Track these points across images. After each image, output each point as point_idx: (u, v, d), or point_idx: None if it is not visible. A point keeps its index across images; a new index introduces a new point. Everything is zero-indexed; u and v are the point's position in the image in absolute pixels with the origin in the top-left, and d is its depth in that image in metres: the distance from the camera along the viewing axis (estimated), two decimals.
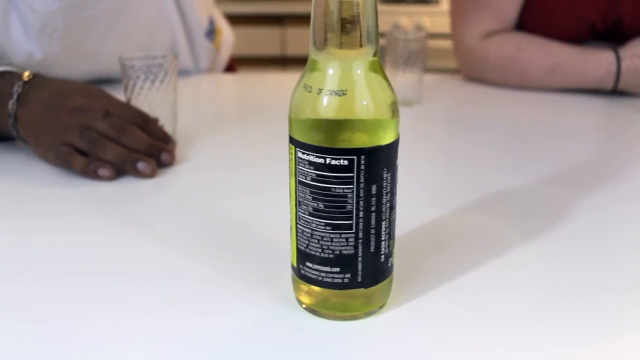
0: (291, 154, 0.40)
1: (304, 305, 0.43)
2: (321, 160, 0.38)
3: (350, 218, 0.39)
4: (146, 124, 0.68)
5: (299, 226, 0.41)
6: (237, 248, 0.52)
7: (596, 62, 0.98)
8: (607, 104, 0.97)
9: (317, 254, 0.40)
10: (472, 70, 1.09)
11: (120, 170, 0.65)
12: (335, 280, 0.41)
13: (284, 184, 0.61)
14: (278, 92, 1.05)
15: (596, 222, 0.57)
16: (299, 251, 0.42)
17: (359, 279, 0.41)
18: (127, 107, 0.68)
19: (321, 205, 0.39)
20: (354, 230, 0.39)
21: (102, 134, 0.65)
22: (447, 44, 1.22)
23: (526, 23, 1.06)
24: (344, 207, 0.39)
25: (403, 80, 0.94)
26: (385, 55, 0.96)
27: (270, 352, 0.39)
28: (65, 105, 0.66)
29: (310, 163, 0.39)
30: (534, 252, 0.52)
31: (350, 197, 0.39)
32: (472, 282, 0.47)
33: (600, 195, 0.63)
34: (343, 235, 0.40)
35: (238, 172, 0.69)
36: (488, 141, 0.81)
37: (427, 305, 0.44)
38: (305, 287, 0.42)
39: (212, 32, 1.16)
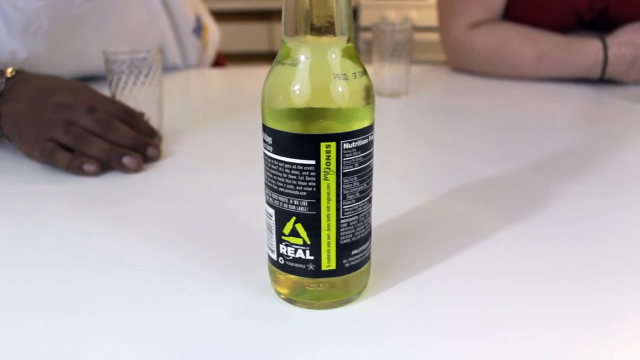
0: (328, 152, 0.37)
1: (282, 296, 0.43)
2: (365, 141, 0.39)
3: (371, 184, 0.41)
4: (131, 118, 0.67)
5: (342, 222, 0.40)
6: (220, 242, 0.51)
7: (583, 50, 0.98)
8: (594, 93, 0.97)
9: (362, 235, 0.41)
10: (459, 61, 1.09)
11: (105, 166, 0.65)
12: (369, 250, 0.42)
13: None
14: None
15: (579, 209, 0.57)
16: (342, 247, 0.40)
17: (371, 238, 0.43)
18: (111, 101, 0.68)
19: (365, 185, 0.40)
20: (372, 195, 0.42)
21: (87, 130, 0.64)
22: (434, 37, 1.22)
23: (513, 13, 1.06)
24: (371, 176, 0.41)
25: (390, 71, 0.94)
26: (373, 47, 0.96)
27: (249, 342, 0.39)
28: (49, 101, 0.66)
29: (358, 148, 0.38)
30: (515, 238, 0.51)
31: (372, 166, 0.41)
32: (452, 269, 0.47)
33: (584, 183, 0.63)
34: (370, 203, 0.42)
35: (225, 167, 0.68)
36: (475, 131, 0.81)
37: (406, 293, 0.44)
38: (282, 277, 0.42)
39: (199, 29, 1.16)
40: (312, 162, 0.38)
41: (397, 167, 0.67)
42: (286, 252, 0.41)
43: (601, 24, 1.04)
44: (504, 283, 0.45)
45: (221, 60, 1.32)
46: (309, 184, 0.38)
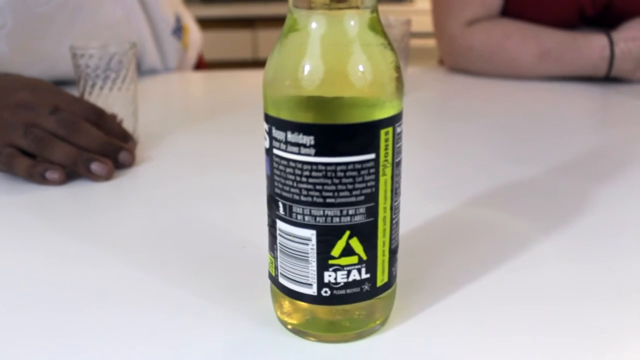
0: (386, 140, 0.31)
1: (289, 327, 0.35)
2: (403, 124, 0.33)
3: None
4: (101, 119, 0.60)
5: (393, 222, 0.33)
6: (205, 260, 0.44)
7: (588, 47, 0.93)
8: (601, 91, 0.92)
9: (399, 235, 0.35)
10: (456, 60, 1.03)
11: (71, 173, 0.58)
12: None
13: (255, 186, 0.54)
14: (248, 89, 0.98)
15: (620, 214, 0.51)
16: (392, 252, 0.34)
17: None
18: (78, 101, 0.61)
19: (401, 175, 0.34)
20: None
21: (50, 132, 0.57)
22: (422, 42, 1.16)
23: (512, 9, 1.01)
24: None
25: None
26: None
27: None
28: (7, 102, 0.59)
29: (401, 133, 0.32)
30: (557, 252, 0.45)
31: None
32: (492, 291, 0.40)
33: (617, 186, 0.56)
34: None
35: (207, 174, 0.61)
36: (480, 134, 0.74)
37: (436, 320, 0.37)
38: (288, 304, 0.34)
39: (179, 30, 1.09)
40: (372, 156, 0.31)
41: (403, 173, 0.60)
42: (335, 279, 0.32)
43: (605, 20, 0.98)
44: (552, 309, 0.38)
45: (203, 65, 1.25)
46: (368, 184, 0.31)
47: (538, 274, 0.42)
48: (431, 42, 1.07)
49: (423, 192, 0.56)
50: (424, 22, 1.41)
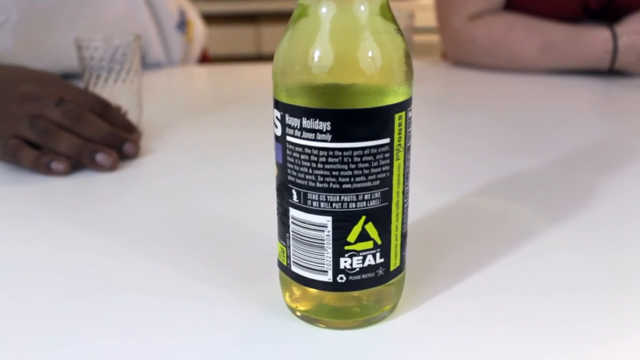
0: (399, 124, 0.31)
1: (298, 313, 0.35)
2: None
3: None
4: (106, 111, 0.61)
5: (405, 206, 0.34)
6: (211, 249, 0.44)
7: (591, 40, 0.93)
8: (604, 84, 0.92)
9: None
10: (459, 54, 1.03)
11: (76, 164, 0.58)
12: None
13: (259, 176, 0.54)
14: (252, 82, 0.98)
15: (628, 204, 0.51)
16: (403, 236, 0.34)
17: None
18: (83, 92, 0.61)
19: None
20: None
21: (56, 123, 0.57)
22: (425, 38, 1.16)
23: (516, 3, 1.00)
24: None
25: None
26: None
27: None
28: (13, 94, 0.59)
29: (411, 118, 0.33)
30: (565, 241, 0.45)
31: None
32: (499, 279, 0.40)
33: (625, 176, 0.56)
34: None
35: (210, 165, 0.62)
36: (481, 127, 0.74)
37: (444, 308, 0.37)
38: (298, 291, 0.34)
39: (183, 24, 1.10)
40: (387, 140, 0.31)
41: None
42: (351, 265, 0.32)
43: (608, 14, 0.98)
44: (557, 298, 0.38)
45: (207, 59, 1.25)
46: (383, 169, 0.31)
47: (542, 264, 0.42)
48: (434, 38, 1.07)
49: (427, 184, 0.56)
50: (427, 17, 1.41)
